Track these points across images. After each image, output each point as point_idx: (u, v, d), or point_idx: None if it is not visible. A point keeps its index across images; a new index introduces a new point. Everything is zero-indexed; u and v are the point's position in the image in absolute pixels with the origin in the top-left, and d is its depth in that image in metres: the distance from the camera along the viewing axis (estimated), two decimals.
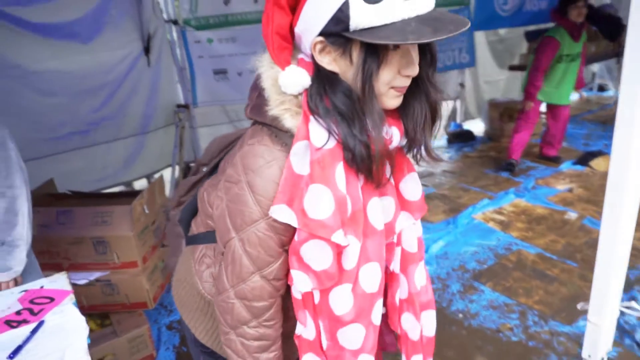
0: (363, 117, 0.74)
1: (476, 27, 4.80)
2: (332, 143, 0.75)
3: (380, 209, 0.83)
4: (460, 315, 2.32)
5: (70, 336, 1.16)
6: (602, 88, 6.67)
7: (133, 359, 2.13)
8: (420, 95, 0.80)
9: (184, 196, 1.14)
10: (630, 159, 0.82)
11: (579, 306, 0.99)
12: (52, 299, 1.33)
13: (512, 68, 4.97)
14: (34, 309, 1.29)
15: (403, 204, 0.90)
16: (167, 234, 1.21)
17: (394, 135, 0.79)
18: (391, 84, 0.74)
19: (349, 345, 0.85)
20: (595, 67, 6.56)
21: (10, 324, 1.23)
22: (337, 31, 0.70)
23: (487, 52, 5.23)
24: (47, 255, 2.15)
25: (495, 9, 4.84)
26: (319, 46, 0.74)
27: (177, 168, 3.52)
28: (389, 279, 0.98)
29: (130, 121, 3.31)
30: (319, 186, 0.74)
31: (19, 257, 1.48)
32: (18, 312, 1.27)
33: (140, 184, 4.22)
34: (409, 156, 0.89)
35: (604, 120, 5.36)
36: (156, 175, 4.00)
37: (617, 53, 5.31)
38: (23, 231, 1.49)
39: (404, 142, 0.83)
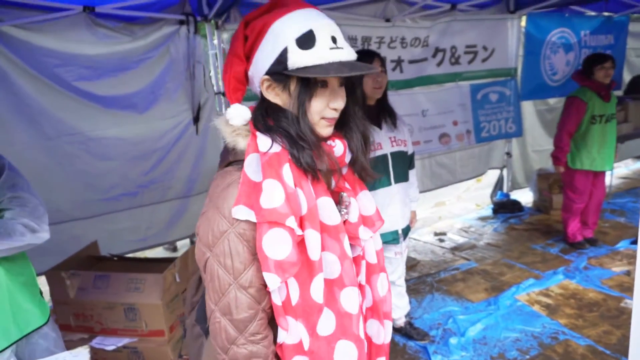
0: (303, 129, 0.94)
1: (524, 97, 4.76)
2: (277, 148, 0.93)
3: (331, 207, 0.97)
4: None
5: None
6: None
7: None
8: (353, 126, 1.02)
9: (195, 296, 1.18)
10: None
11: None
12: None
13: None
14: None
15: (362, 219, 1.05)
16: (186, 343, 1.22)
17: (338, 145, 0.99)
18: (321, 114, 0.95)
19: (324, 332, 0.96)
20: None
21: None
22: (278, 70, 0.92)
23: (536, 121, 5.12)
24: (82, 317, 2.24)
25: (544, 80, 4.80)
26: (266, 83, 0.95)
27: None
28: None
29: (176, 184, 3.49)
30: (270, 181, 0.89)
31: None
32: None
33: (183, 243, 4.37)
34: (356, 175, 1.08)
35: None
36: None
37: None
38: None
39: (350, 158, 1.02)
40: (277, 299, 0.93)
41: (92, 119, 3.05)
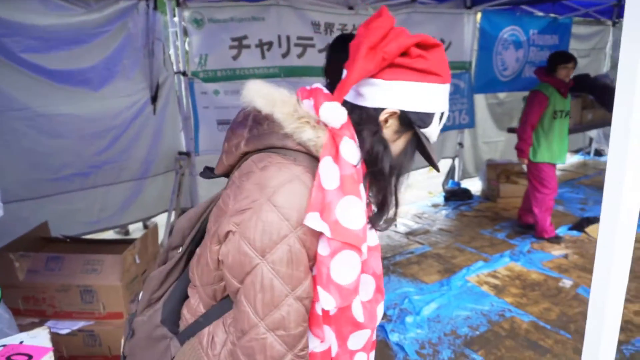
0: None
1: (477, 90, 4.96)
2: (360, 164, 0.86)
3: (371, 229, 0.96)
4: None
5: None
6: (599, 153, 6.78)
7: None
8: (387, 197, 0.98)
9: (157, 291, 1.05)
10: (616, 231, 0.84)
11: None
12: (30, 357, 1.31)
13: (511, 130, 5.05)
14: None
15: None
16: (133, 344, 1.04)
17: None
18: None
19: (354, 347, 0.94)
20: (593, 133, 6.70)
21: None
22: (412, 121, 0.88)
23: (487, 114, 5.37)
24: (33, 301, 2.14)
25: (495, 74, 5.02)
26: (389, 114, 0.87)
27: (173, 213, 3.54)
28: None
29: (132, 165, 3.37)
30: (352, 198, 0.81)
31: None
32: None
33: (135, 227, 4.23)
34: None
35: (600, 185, 5.39)
36: (152, 220, 4.03)
37: None
38: None
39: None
40: (319, 309, 0.86)
41: (41, 94, 2.87)
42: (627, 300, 2.94)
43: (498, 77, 5.08)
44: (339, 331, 0.91)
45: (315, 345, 0.91)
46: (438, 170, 1.05)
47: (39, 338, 1.39)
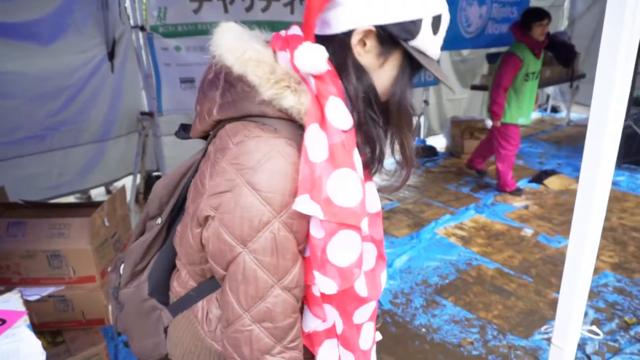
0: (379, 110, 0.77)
1: (441, 47, 4.95)
2: (351, 124, 0.72)
3: (375, 193, 0.85)
4: (424, 330, 2.36)
5: None
6: (555, 109, 7.03)
7: None
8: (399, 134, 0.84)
9: (140, 263, 0.99)
10: (596, 190, 0.87)
11: (543, 329, 1.04)
12: (3, 321, 1.25)
13: (474, 88, 5.16)
14: None
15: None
16: (123, 317, 1.01)
17: None
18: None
19: (360, 320, 0.85)
20: (550, 89, 6.91)
21: None
22: (395, 36, 0.71)
23: (451, 72, 5.41)
24: None
25: (459, 31, 5.03)
26: (362, 34, 0.71)
27: (138, 176, 3.42)
28: None
29: (91, 127, 3.20)
30: (346, 170, 0.69)
31: None
32: None
33: (97, 192, 4.07)
34: None
35: (557, 140, 5.65)
36: (115, 184, 3.88)
37: (571, 77, 5.63)
38: None
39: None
40: (317, 291, 0.78)
41: None
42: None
43: (462, 34, 5.08)
44: (342, 309, 0.82)
45: (317, 325, 0.84)
46: (453, 91, 0.86)
47: (11, 302, 1.33)
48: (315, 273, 0.74)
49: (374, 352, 0.96)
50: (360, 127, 0.75)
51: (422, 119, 5.36)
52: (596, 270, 2.82)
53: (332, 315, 0.83)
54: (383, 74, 0.75)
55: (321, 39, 0.72)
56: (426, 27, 0.71)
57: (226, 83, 0.75)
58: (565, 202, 3.83)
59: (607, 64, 0.83)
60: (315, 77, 0.70)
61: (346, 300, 0.81)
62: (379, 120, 0.77)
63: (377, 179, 0.91)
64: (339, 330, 0.84)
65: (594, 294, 2.60)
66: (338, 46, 0.72)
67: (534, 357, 2.15)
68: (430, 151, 5.15)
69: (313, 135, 0.69)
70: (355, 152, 0.73)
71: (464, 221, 3.55)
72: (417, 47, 0.73)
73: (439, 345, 2.25)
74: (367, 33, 0.71)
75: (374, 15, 0.69)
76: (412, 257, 3.04)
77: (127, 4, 3.20)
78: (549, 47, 5.46)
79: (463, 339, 2.29)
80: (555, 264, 2.92)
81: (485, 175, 4.38)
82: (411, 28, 0.70)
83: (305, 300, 0.82)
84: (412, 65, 0.76)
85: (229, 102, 0.75)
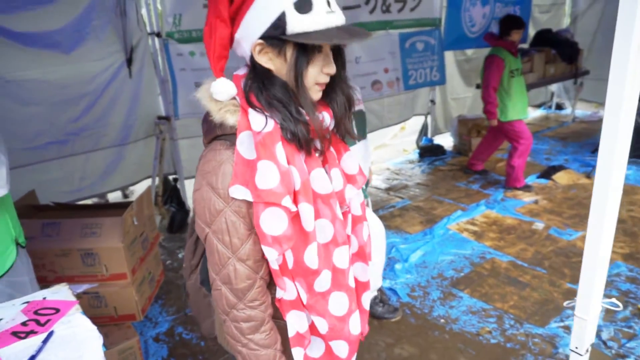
0: (298, 103, 0.92)
1: (446, 47, 5.05)
2: (271, 126, 0.90)
3: (323, 177, 0.98)
4: (442, 321, 2.42)
5: (84, 345, 1.17)
6: (559, 107, 7.10)
7: None
8: (339, 90, 1.00)
9: (193, 259, 1.20)
10: (612, 175, 0.94)
11: (566, 304, 1.11)
12: (57, 310, 1.33)
13: (479, 86, 5.23)
14: (40, 320, 1.28)
15: (347, 177, 1.08)
16: (191, 304, 1.28)
17: (325, 117, 0.98)
18: (316, 79, 0.93)
19: (321, 289, 1.01)
20: (554, 87, 6.98)
21: (18, 335, 1.22)
22: (275, 35, 0.87)
23: (455, 71, 5.48)
24: (33, 268, 2.11)
25: (464, 31, 5.12)
26: (258, 47, 0.89)
27: (157, 180, 3.50)
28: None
29: (110, 132, 3.28)
30: (265, 162, 0.89)
31: None
32: (24, 324, 1.27)
33: (114, 196, 4.15)
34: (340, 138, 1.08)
35: (563, 137, 5.71)
36: (132, 188, 3.97)
37: (574, 74, 5.71)
38: None
39: (333, 125, 1.01)
40: (274, 264, 0.97)
41: (9, 59, 2.73)
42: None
43: (466, 34, 5.18)
44: (300, 280, 0.99)
45: (282, 295, 1.01)
46: (343, 41, 0.89)
47: (61, 293, 1.41)
48: (262, 245, 0.93)
49: (357, 319, 1.09)
50: (283, 125, 0.91)
51: (429, 118, 5.44)
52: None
53: (293, 288, 1.00)
54: (287, 67, 0.90)
55: (251, 65, 0.94)
56: (291, 15, 0.85)
57: (205, 118, 1.01)
58: (575, 196, 3.90)
59: (620, 61, 0.90)
60: (238, 96, 0.93)
61: (299, 272, 0.98)
62: (298, 115, 0.91)
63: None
64: (304, 300, 1.01)
65: (607, 283, 2.66)
66: (253, 64, 0.93)
67: (552, 345, 2.21)
68: (439, 150, 5.22)
69: (243, 140, 0.91)
70: (278, 145, 0.90)
71: (476, 217, 3.62)
72: (295, 32, 0.86)
73: (458, 334, 2.32)
74: (258, 44, 0.89)
75: (254, 32, 0.88)
76: (426, 252, 3.11)
77: (144, 11, 3.29)
78: (553, 44, 5.56)
79: (481, 328, 2.35)
80: (567, 256, 2.99)
81: (488, 174, 4.47)
82: (279, 24, 0.86)
83: (271, 273, 1.01)
84: (305, 46, 0.88)
85: (205, 132, 1.01)
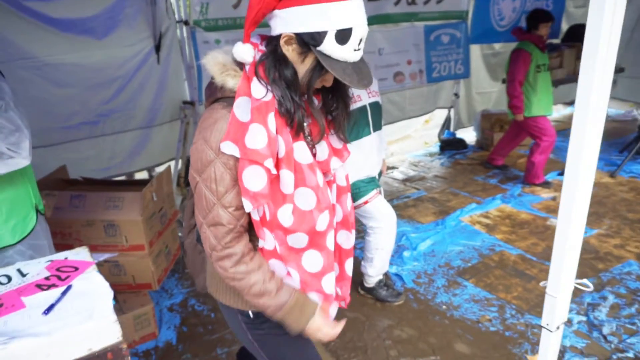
0: (300, 92, 1.05)
1: (473, 40, 5.01)
2: (269, 97, 1.02)
3: (305, 150, 1.09)
4: (444, 307, 2.48)
5: (97, 298, 1.31)
6: None
7: (137, 335, 2.27)
8: (341, 100, 1.16)
9: (192, 218, 1.35)
10: (582, 155, 0.99)
11: (542, 284, 1.17)
12: (76, 268, 1.48)
13: (505, 81, 5.16)
14: (61, 276, 1.43)
15: (333, 151, 1.21)
16: (187, 260, 1.42)
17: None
18: (316, 86, 1.08)
19: (295, 245, 1.14)
20: None
21: (41, 287, 1.37)
22: (308, 41, 0.99)
23: (481, 65, 5.43)
24: (60, 236, 2.29)
25: (492, 24, 5.05)
26: (288, 38, 1.00)
27: (180, 162, 3.67)
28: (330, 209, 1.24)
29: (138, 114, 3.46)
30: (256, 125, 1.01)
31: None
32: (47, 278, 1.42)
33: (140, 176, 4.36)
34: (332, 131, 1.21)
35: None
36: (157, 169, 4.16)
37: None
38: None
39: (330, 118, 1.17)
40: (255, 216, 1.10)
41: (47, 43, 2.93)
42: (608, 236, 3.17)
43: (494, 27, 5.11)
44: (275, 233, 1.11)
45: (262, 244, 1.13)
46: (351, 85, 1.03)
47: (80, 254, 1.56)
48: (242, 198, 1.05)
49: (332, 280, 1.20)
50: (280, 101, 1.03)
51: (452, 112, 5.42)
52: (620, 259, 2.87)
53: (269, 238, 1.12)
54: (303, 67, 1.04)
55: (270, 38, 1.05)
56: (330, 37, 0.97)
57: (209, 82, 1.13)
58: (595, 194, 3.84)
59: (590, 55, 0.95)
60: (246, 64, 1.04)
61: (273, 226, 1.11)
62: (296, 97, 1.05)
63: None
64: (278, 251, 1.14)
65: (616, 281, 2.66)
66: (274, 43, 1.04)
67: None
68: (460, 144, 5.21)
69: (240, 103, 1.02)
70: (271, 115, 1.02)
71: (490, 210, 3.63)
72: (323, 51, 0.99)
73: (458, 321, 2.37)
74: (289, 37, 1.00)
75: (294, 25, 0.98)
76: (436, 242, 3.15)
77: (173, 0, 3.44)
78: (580, 38, 5.41)
79: (482, 316, 2.40)
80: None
81: (508, 169, 4.45)
82: (317, 37, 0.97)
83: (253, 224, 1.13)
84: (320, 62, 1.01)
85: (207, 94, 1.14)
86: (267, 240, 1.13)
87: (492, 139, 5.05)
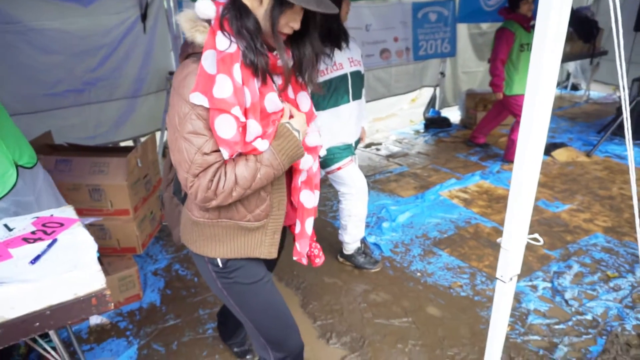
0: (263, 39, 1.10)
1: (460, 19, 5.04)
2: (233, 49, 1.07)
3: (275, 100, 1.15)
4: (418, 274, 2.60)
5: (82, 250, 1.38)
6: (575, 87, 7.01)
7: (122, 296, 2.35)
8: (308, 43, 1.19)
9: (169, 173, 1.42)
10: (535, 110, 1.07)
11: (498, 241, 1.26)
12: (62, 224, 1.54)
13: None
14: (47, 230, 1.50)
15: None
16: (165, 213, 1.50)
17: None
18: (282, 29, 1.11)
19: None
20: (571, 66, 6.89)
21: (27, 240, 1.44)
22: None
23: (468, 44, 5.48)
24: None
25: (480, 4, 5.09)
26: None
27: (165, 132, 3.70)
28: (294, 170, 1.32)
29: (124, 84, 3.47)
30: (222, 76, 1.06)
31: None
32: (33, 232, 1.49)
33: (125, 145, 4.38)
34: (300, 80, 1.26)
35: (572, 117, 5.70)
36: (143, 139, 4.17)
37: (591, 54, 5.64)
38: None
39: (291, 65, 1.19)
40: (226, 157, 1.13)
41: (32, 8, 2.91)
42: (579, 211, 3.31)
43: (483, 7, 5.14)
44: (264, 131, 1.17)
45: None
46: (308, 7, 1.05)
47: (66, 212, 1.62)
48: (219, 146, 1.11)
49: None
50: (245, 52, 1.08)
51: (437, 91, 5.48)
52: (588, 232, 3.00)
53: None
54: (262, 9, 1.09)
55: None
56: None
57: (183, 43, 1.19)
58: (570, 172, 3.97)
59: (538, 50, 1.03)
60: (211, 19, 1.09)
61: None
62: (261, 48, 1.09)
63: None
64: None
65: (582, 251, 2.79)
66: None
67: (516, 300, 2.37)
68: (444, 122, 5.29)
69: (207, 56, 1.07)
70: (236, 66, 1.07)
71: (469, 185, 3.74)
72: None
73: (431, 286, 2.49)
74: None
75: None
76: (415, 214, 3.26)
77: None
78: (571, 22, 5.46)
79: (453, 282, 2.52)
80: (550, 225, 3.11)
81: (489, 147, 4.56)
82: None
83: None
84: (280, 3, 1.06)
85: (181, 50, 1.19)
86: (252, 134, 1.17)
87: (475, 118, 5.14)
